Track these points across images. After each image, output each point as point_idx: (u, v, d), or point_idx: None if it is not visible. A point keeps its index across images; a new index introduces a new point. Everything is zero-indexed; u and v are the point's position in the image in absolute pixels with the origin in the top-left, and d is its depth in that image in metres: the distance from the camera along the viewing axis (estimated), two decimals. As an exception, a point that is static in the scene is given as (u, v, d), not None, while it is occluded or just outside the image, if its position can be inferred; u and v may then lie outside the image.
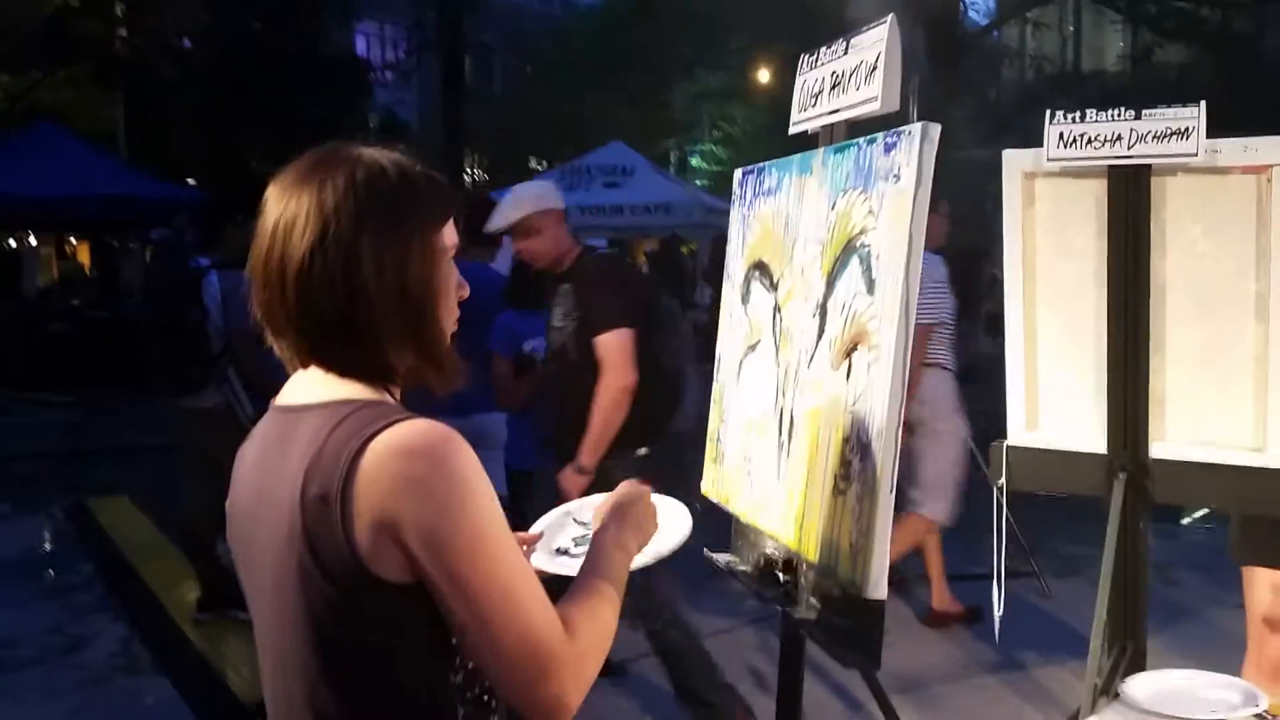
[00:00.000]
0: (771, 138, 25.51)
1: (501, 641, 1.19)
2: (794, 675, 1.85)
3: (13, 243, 19.25)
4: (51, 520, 6.98)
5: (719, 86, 23.93)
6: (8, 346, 13.36)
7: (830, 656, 1.70)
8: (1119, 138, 2.33)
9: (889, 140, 1.49)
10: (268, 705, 1.33)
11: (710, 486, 2.06)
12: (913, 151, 1.42)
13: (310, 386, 1.29)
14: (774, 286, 1.83)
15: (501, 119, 30.31)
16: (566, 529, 1.64)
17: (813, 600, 1.66)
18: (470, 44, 26.28)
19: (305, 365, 1.32)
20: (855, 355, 1.52)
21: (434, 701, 1.26)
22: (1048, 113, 2.51)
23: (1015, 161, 2.52)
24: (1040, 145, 2.48)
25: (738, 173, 2.07)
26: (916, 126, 1.41)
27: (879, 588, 1.45)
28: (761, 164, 1.96)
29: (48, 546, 6.65)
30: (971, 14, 22.20)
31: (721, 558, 2.07)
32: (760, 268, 1.90)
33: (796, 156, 1.84)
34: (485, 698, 1.30)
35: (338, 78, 25.18)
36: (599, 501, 1.56)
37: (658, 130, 25.60)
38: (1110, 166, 2.37)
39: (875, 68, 1.57)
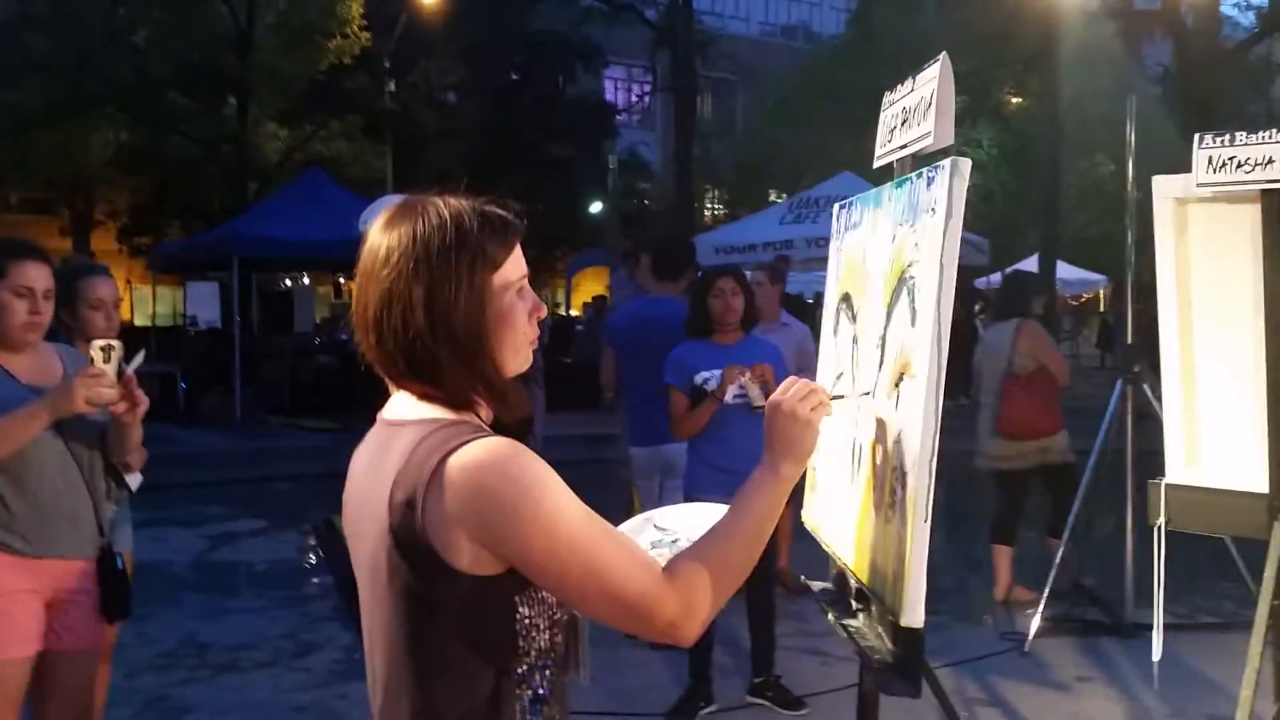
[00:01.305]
0: (1019, 160, 24.44)
1: (598, 608, 1.39)
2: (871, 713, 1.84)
3: (288, 282, 21.07)
4: (300, 535, 7.68)
5: (959, 108, 23.33)
6: (280, 378, 14.68)
7: (877, 686, 1.70)
8: (1270, 160, 2.20)
9: (929, 175, 1.50)
10: (368, 675, 1.52)
11: (805, 513, 2.10)
12: (944, 185, 1.43)
13: (405, 405, 1.50)
14: (854, 319, 1.87)
15: (741, 153, 30.65)
16: (645, 534, 1.74)
17: (880, 631, 1.67)
18: (711, 81, 26.85)
19: (396, 389, 1.52)
20: (902, 385, 1.54)
21: (497, 686, 1.42)
22: (1195, 137, 2.41)
23: (1165, 188, 2.42)
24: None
25: (836, 207, 2.11)
26: (947, 162, 1.43)
27: (913, 615, 1.46)
28: (853, 198, 1.99)
29: (294, 559, 7.32)
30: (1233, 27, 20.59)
31: (817, 585, 2.10)
32: (846, 300, 1.94)
33: (874, 190, 1.87)
34: (543, 691, 1.46)
35: (584, 121, 26.38)
36: (682, 509, 1.68)
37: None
38: (1263, 190, 2.24)
39: (930, 104, 1.58)
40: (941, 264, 1.40)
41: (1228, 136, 2.29)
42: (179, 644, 5.47)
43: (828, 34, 35.61)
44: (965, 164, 1.41)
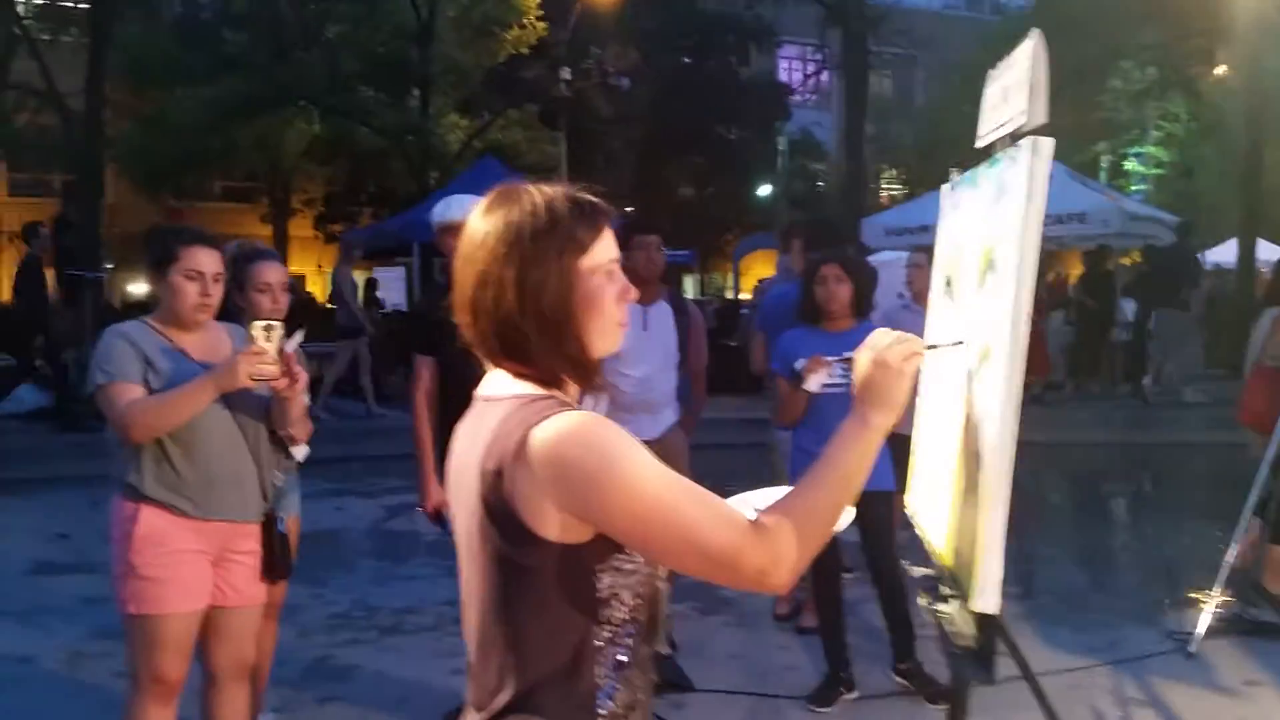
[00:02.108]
0: (1222, 134, 22.91)
1: (685, 563, 1.43)
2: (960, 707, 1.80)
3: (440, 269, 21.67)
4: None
5: (1153, 82, 22.02)
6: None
7: (955, 671, 1.67)
8: None
9: (1013, 154, 1.47)
10: (464, 631, 1.62)
11: (907, 499, 2.08)
12: (1024, 165, 1.39)
13: (499, 382, 1.60)
14: (954, 300, 1.84)
15: (921, 131, 29.84)
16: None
17: (968, 617, 1.64)
18: (889, 58, 26.25)
19: (493, 366, 1.62)
20: (983, 368, 1.51)
21: (579, 650, 1.49)
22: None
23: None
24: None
25: (945, 187, 2.07)
26: (1027, 140, 1.39)
27: (985, 600, 1.43)
28: (959, 179, 1.96)
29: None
30: None
31: (919, 571, 2.07)
32: (948, 282, 1.91)
33: (970, 171, 1.83)
34: (624, 658, 1.52)
35: (757, 103, 26.25)
36: (779, 492, 1.69)
37: (1085, 133, 23.98)
38: None
39: (1025, 82, 1.54)
40: (1022, 247, 1.37)
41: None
42: (351, 606, 5.78)
43: (1014, 6, 34.19)
44: (1047, 144, 1.37)
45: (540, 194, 1.56)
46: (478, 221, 1.57)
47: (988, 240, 1.58)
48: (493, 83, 20.92)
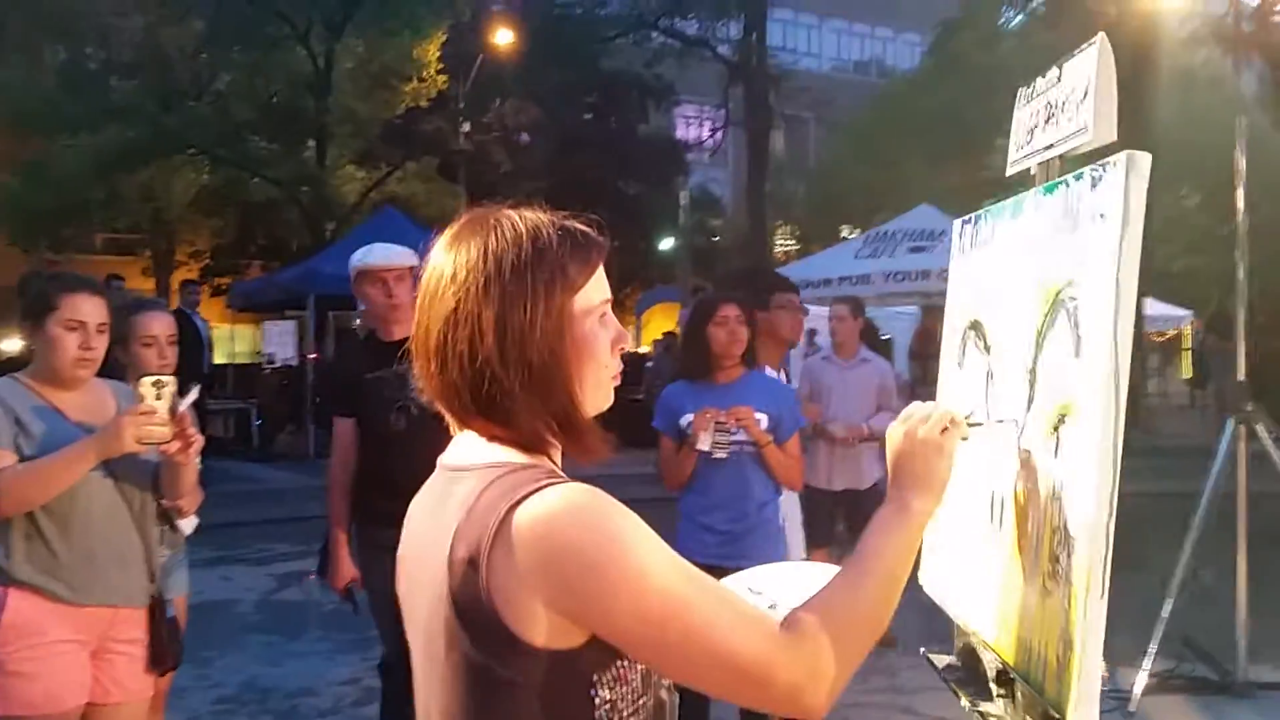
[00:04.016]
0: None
1: (705, 676, 1.19)
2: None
3: (358, 321, 21.20)
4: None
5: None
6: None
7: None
8: None
9: (1095, 174, 1.25)
10: None
11: (925, 577, 1.83)
12: (1118, 186, 1.18)
13: (469, 448, 1.31)
14: (988, 349, 1.60)
15: (814, 188, 30.42)
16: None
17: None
18: (783, 118, 26.72)
19: (461, 429, 1.34)
20: (1063, 429, 1.28)
21: None
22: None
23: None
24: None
25: (957, 223, 1.85)
26: (1121, 156, 1.17)
27: (1086, 713, 1.19)
28: (980, 211, 1.74)
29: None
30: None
31: (941, 660, 1.83)
32: (975, 328, 1.68)
33: (1012, 200, 1.61)
34: None
35: (656, 159, 26.39)
36: (779, 569, 1.48)
37: (974, 192, 24.60)
38: None
39: (1086, 94, 1.33)
40: (1118, 281, 1.14)
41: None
42: (241, 688, 5.32)
43: (901, 69, 35.26)
44: (1145, 159, 1.16)
45: (523, 220, 1.29)
46: (445, 253, 1.30)
47: (1051, 277, 1.35)
48: (391, 134, 20.58)
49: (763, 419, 3.78)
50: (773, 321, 4.39)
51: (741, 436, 3.77)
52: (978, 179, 24.33)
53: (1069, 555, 1.22)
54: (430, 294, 1.29)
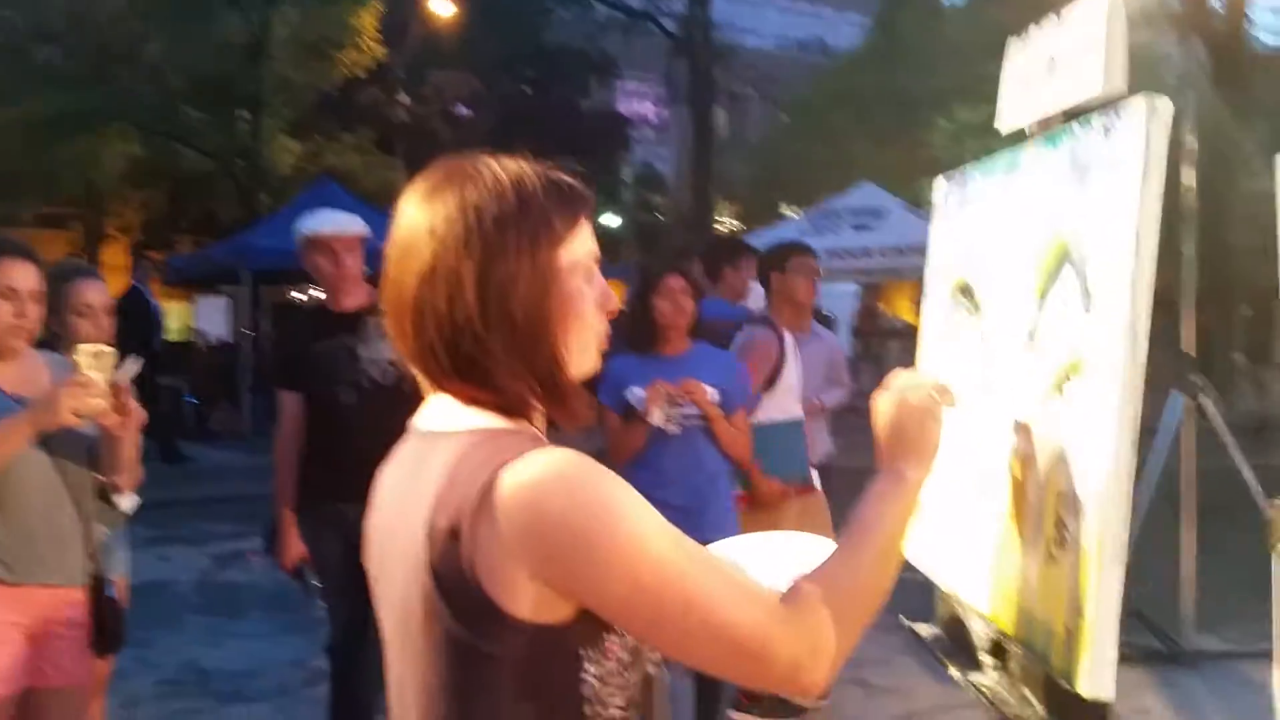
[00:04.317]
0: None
1: (698, 651, 1.13)
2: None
3: (297, 295, 20.83)
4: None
5: (980, 121, 22.96)
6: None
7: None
8: None
9: (1107, 122, 1.20)
10: None
11: (909, 546, 1.78)
12: (1138, 132, 1.13)
13: (446, 411, 1.23)
14: (978, 311, 1.55)
15: (756, 166, 30.47)
16: None
17: (1027, 694, 1.36)
18: (725, 94, 26.67)
19: (436, 391, 1.25)
20: (1069, 388, 1.23)
21: None
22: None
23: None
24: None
25: (940, 181, 1.79)
26: (1139, 100, 1.12)
27: (1099, 684, 1.15)
28: (965, 168, 1.68)
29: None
30: (1263, 35, 20.09)
31: (924, 629, 1.79)
32: (964, 291, 1.62)
33: (1004, 154, 1.55)
34: None
35: (598, 135, 26.20)
36: (748, 540, 1.42)
37: (915, 170, 24.81)
38: None
39: (1095, 44, 1.28)
40: (1138, 233, 1.09)
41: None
42: (180, 671, 5.17)
43: (843, 48, 35.29)
44: (1165, 103, 1.10)
45: (505, 170, 1.21)
46: (419, 206, 1.22)
47: (1056, 233, 1.30)
48: (328, 105, 20.16)
49: (712, 393, 3.74)
50: (788, 284, 4.39)
51: (691, 410, 3.74)
52: (918, 157, 24.54)
53: (1078, 520, 1.17)
54: (404, 249, 1.20)
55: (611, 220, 26.12)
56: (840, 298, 15.54)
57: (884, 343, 18.26)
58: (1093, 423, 1.15)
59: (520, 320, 1.16)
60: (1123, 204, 1.12)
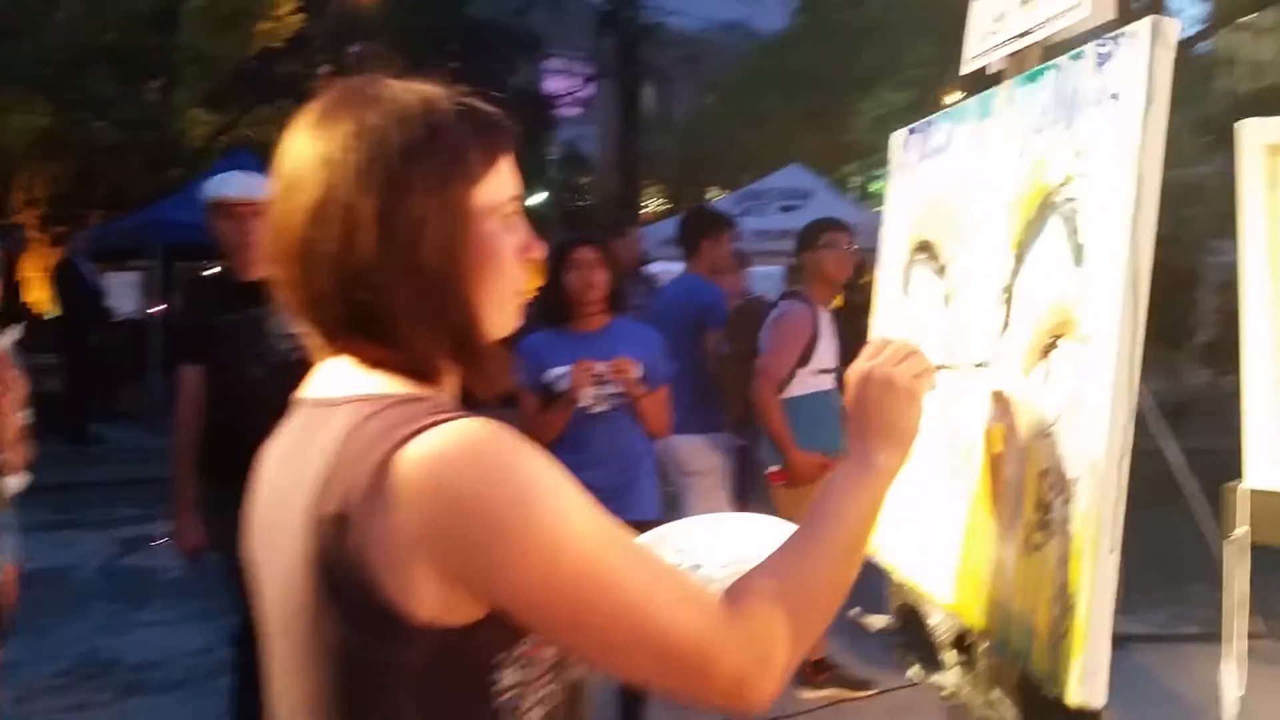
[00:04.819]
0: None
1: (632, 663, 0.98)
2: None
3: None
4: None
5: (903, 105, 23.14)
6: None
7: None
8: None
9: (1102, 51, 1.06)
10: None
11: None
12: (1138, 59, 0.99)
13: (340, 376, 1.04)
14: (942, 271, 1.41)
15: (682, 147, 30.37)
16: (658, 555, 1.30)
17: (995, 695, 1.23)
18: (650, 73, 26.50)
19: (330, 353, 1.07)
20: (1056, 353, 1.10)
21: None
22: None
23: (1255, 135, 2.01)
24: None
25: (898, 134, 1.65)
26: (1143, 23, 0.98)
27: (1092, 689, 1.02)
28: (929, 118, 1.54)
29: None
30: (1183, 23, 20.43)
31: (877, 622, 1.66)
32: (925, 249, 1.48)
33: (972, 100, 1.41)
34: None
35: (524, 113, 25.86)
36: (706, 522, 1.28)
37: (839, 154, 24.96)
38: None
39: (1078, -36, 1.14)
40: (1141, 171, 0.95)
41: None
42: (80, 661, 4.91)
43: (767, 32, 35.43)
44: (1171, 25, 0.96)
45: (412, 92, 1.04)
46: (308, 133, 1.04)
47: (1036, 178, 1.16)
48: (244, 76, 19.56)
49: (636, 368, 3.63)
50: (819, 261, 4.38)
51: (617, 388, 3.61)
52: (843, 141, 24.65)
53: (1066, 501, 1.04)
54: (291, 183, 1.02)
55: (536, 199, 25.83)
56: (765, 279, 15.56)
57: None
58: (1086, 390, 1.01)
59: (428, 267, 0.99)
60: (1122, 140, 0.99)
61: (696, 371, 4.72)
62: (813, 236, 4.48)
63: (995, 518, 1.17)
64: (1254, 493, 2.11)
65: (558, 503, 0.94)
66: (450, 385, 1.06)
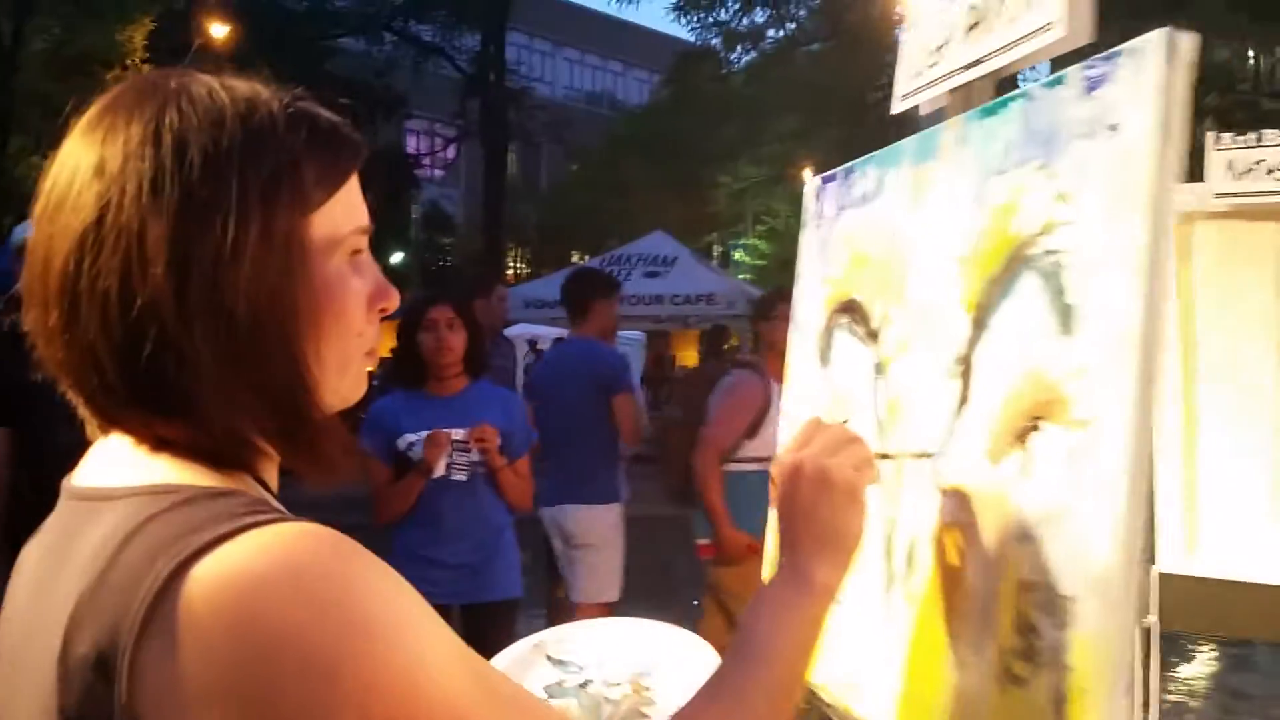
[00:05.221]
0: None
1: None
2: None
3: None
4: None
5: (762, 178, 23.69)
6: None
7: None
8: (1323, 160, 1.73)
9: (1092, 74, 0.88)
10: None
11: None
12: (1144, 81, 0.82)
13: (117, 458, 0.78)
14: (873, 335, 1.22)
15: (545, 212, 30.54)
16: (534, 670, 1.10)
17: None
18: (515, 139, 26.58)
19: (105, 429, 0.80)
20: (1037, 438, 0.91)
21: None
22: (1209, 135, 1.93)
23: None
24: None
25: (813, 183, 1.47)
26: (1154, 36, 0.81)
27: None
28: (849, 164, 1.37)
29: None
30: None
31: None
32: (850, 310, 1.29)
33: (907, 141, 1.23)
34: None
35: (386, 172, 25.42)
36: (589, 628, 1.08)
37: (701, 223, 25.39)
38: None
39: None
40: (1154, 217, 0.77)
41: (1255, 135, 1.82)
42: None
43: (631, 104, 36.27)
44: (1188, 40, 0.80)
45: (226, 89, 0.79)
46: (85, 136, 0.77)
47: (1000, 228, 0.97)
48: (91, 124, 18.73)
49: (497, 436, 3.42)
50: (773, 332, 4.20)
51: (476, 457, 3.39)
52: (703, 212, 25.11)
53: (1060, 626, 0.83)
54: (55, 202, 0.76)
55: (397, 258, 25.41)
56: (627, 345, 15.54)
57: (672, 390, 18.38)
58: (1083, 486, 0.83)
59: (242, 316, 0.73)
60: (1127, 179, 0.81)
61: (594, 436, 4.54)
62: (768, 306, 4.34)
63: (955, 638, 0.97)
64: (1163, 576, 1.99)
65: (413, 637, 0.69)
66: (268, 473, 0.80)
